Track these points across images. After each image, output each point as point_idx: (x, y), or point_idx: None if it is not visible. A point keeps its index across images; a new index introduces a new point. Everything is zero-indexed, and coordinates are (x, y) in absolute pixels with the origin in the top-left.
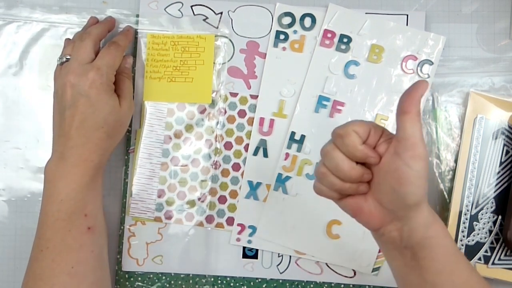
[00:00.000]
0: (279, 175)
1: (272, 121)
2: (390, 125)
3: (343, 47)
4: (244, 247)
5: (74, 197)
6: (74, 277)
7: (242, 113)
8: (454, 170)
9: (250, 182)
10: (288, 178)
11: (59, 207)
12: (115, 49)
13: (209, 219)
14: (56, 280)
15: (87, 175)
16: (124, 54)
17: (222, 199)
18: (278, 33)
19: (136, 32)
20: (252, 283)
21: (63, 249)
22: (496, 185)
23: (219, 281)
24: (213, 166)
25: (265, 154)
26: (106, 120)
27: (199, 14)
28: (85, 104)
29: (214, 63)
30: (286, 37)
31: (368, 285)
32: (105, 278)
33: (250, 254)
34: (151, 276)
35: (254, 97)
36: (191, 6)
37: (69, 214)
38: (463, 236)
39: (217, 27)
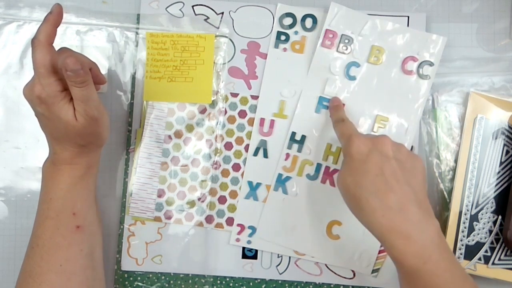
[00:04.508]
0: (279, 175)
1: (272, 121)
2: (393, 126)
3: (344, 48)
4: (243, 248)
5: (62, 196)
6: (62, 275)
7: (242, 114)
8: (454, 170)
9: (250, 183)
10: (288, 178)
11: (48, 206)
12: (34, 50)
13: (209, 219)
14: (44, 277)
15: (75, 176)
16: (74, 52)
17: (222, 199)
18: (279, 33)
19: (136, 32)
20: (251, 284)
21: (51, 247)
22: (496, 185)
23: (219, 281)
24: (213, 166)
25: (265, 155)
26: (68, 134)
27: (200, 14)
28: (43, 120)
29: (214, 63)
30: (287, 38)
31: (368, 286)
32: (97, 278)
33: (249, 254)
34: (151, 276)
35: (255, 97)
36: (192, 6)
37: (57, 212)
38: (463, 236)
39: (218, 27)
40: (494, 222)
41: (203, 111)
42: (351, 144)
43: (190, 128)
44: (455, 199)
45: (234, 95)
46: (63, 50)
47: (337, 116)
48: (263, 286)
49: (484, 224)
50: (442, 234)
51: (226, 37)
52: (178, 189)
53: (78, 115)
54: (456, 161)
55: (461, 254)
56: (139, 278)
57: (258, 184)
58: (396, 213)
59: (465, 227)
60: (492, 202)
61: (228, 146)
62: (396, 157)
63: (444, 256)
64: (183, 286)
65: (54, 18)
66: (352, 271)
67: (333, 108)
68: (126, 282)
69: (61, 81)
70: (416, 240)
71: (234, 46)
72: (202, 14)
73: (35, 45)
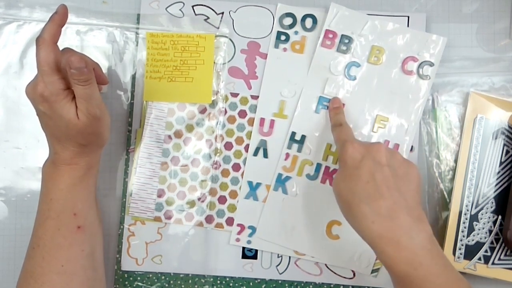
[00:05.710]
0: (279, 175)
1: (272, 121)
2: (393, 126)
3: (344, 48)
4: (243, 248)
5: (62, 197)
6: (63, 276)
7: (242, 114)
8: (454, 170)
9: (250, 183)
10: (288, 178)
11: (49, 206)
12: (39, 49)
13: (209, 219)
14: (46, 278)
15: (75, 176)
16: (74, 51)
17: (222, 199)
18: (279, 33)
19: (136, 32)
20: (251, 284)
21: (52, 247)
22: (496, 185)
23: (219, 281)
24: (213, 166)
25: (265, 155)
26: (69, 133)
27: (200, 14)
28: (44, 119)
29: (214, 63)
30: (287, 38)
31: (368, 286)
32: (98, 278)
33: (249, 254)
34: (151, 276)
35: (255, 97)
36: (192, 6)
37: (58, 213)
38: (463, 236)
39: (218, 27)
40: (494, 222)
41: (203, 111)
42: (345, 150)
43: (190, 128)
44: (455, 199)
45: (234, 95)
46: (67, 50)
47: (335, 120)
48: (263, 286)
49: (484, 224)
50: (435, 240)
51: (226, 37)
52: (178, 189)
53: (80, 114)
54: (456, 161)
55: (461, 254)
56: (139, 278)
57: (258, 184)
58: (386, 220)
59: (465, 227)
60: (492, 202)
61: (228, 146)
62: (390, 164)
63: (437, 262)
64: (183, 286)
65: (59, 18)
66: (352, 271)
67: (332, 110)
68: (126, 282)
69: (64, 79)
70: (405, 246)
71: (234, 46)
72: (202, 14)
73: (39, 44)
